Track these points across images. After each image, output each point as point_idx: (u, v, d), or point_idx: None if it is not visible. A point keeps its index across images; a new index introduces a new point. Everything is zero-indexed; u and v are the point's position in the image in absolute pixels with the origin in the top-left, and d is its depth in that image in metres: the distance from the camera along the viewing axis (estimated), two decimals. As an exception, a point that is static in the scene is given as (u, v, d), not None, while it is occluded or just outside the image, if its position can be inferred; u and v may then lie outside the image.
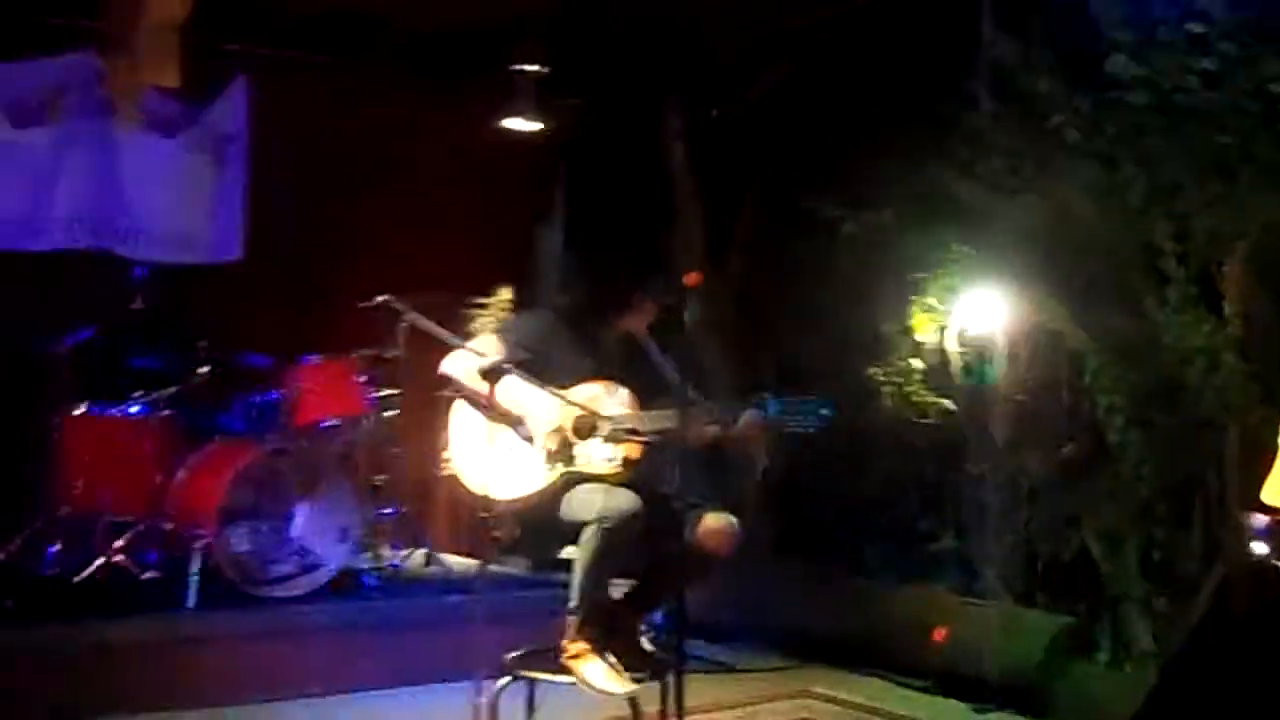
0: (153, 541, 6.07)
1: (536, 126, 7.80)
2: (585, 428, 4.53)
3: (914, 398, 6.69)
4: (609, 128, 8.28)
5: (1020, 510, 6.54)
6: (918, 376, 6.70)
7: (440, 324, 4.26)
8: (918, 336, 6.63)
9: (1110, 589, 6.17)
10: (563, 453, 4.50)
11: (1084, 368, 6.02)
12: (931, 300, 6.54)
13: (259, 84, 7.52)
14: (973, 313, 6.48)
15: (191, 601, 5.71)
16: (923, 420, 6.73)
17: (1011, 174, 6.16)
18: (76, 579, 5.85)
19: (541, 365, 4.50)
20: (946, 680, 6.18)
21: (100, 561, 5.91)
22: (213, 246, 7.46)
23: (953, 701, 6.05)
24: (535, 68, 7.55)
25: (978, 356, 6.65)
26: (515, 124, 7.75)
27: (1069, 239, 6.01)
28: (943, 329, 6.61)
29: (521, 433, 4.53)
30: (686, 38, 7.48)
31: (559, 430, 4.48)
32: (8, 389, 6.50)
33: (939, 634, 6.29)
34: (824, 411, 4.57)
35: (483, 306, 7.54)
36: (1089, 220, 5.86)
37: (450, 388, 4.75)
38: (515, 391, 4.40)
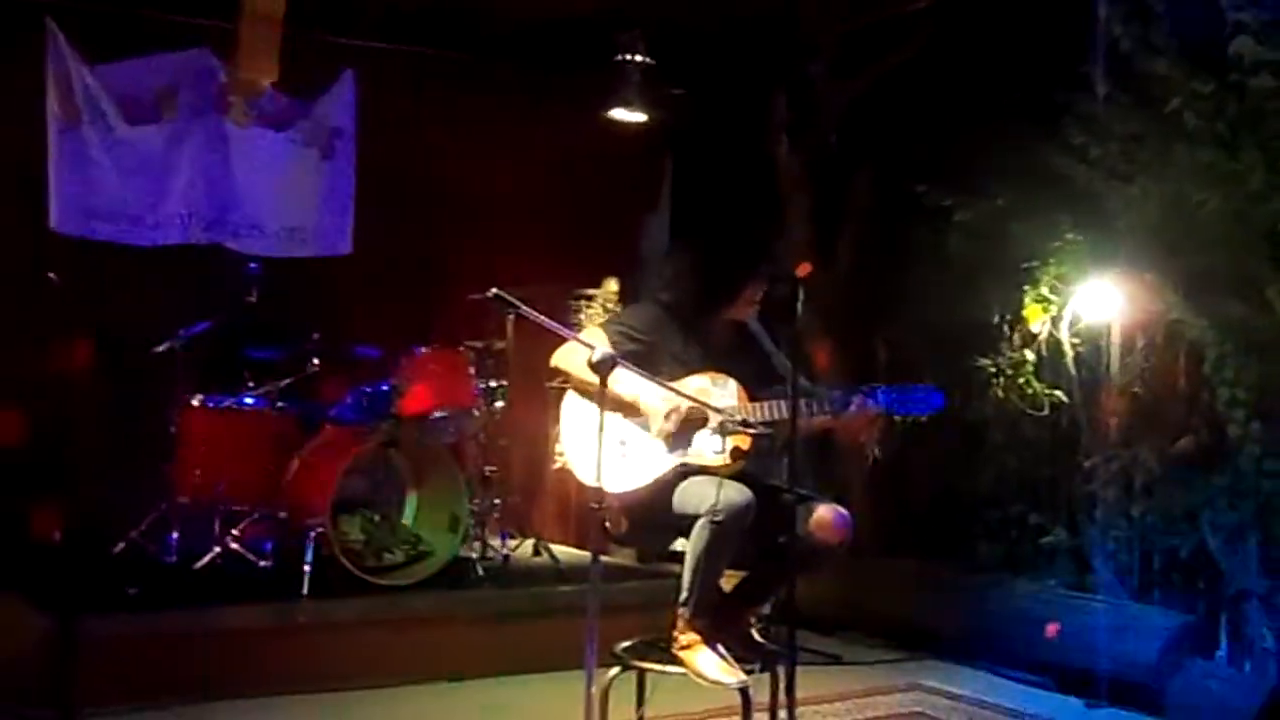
0: (268, 530, 6.17)
1: (642, 117, 7.79)
2: (696, 420, 4.53)
3: (1026, 389, 6.59)
4: (715, 117, 8.26)
5: (1136, 504, 6.43)
6: (1030, 367, 6.59)
7: (547, 316, 4.26)
8: (1030, 326, 6.53)
9: (1229, 585, 6.05)
10: (674, 443, 4.49)
11: (1203, 359, 5.89)
12: (1044, 289, 6.43)
13: (367, 78, 7.59)
14: (1087, 302, 6.37)
15: (305, 589, 5.78)
16: (1035, 412, 6.62)
17: (1127, 160, 6.05)
18: (195, 566, 5.97)
19: (650, 357, 4.50)
20: (1059, 675, 6.11)
21: (218, 549, 6.02)
22: (323, 240, 7.54)
23: (1066, 697, 5.96)
24: (641, 58, 7.53)
25: (1092, 347, 6.54)
26: (621, 115, 7.74)
27: (1187, 226, 5.88)
28: (1055, 318, 6.50)
29: (635, 420, 4.53)
30: (791, 25, 7.44)
31: (669, 420, 4.47)
32: (127, 382, 6.62)
33: (1051, 629, 6.20)
34: (934, 400, 4.54)
35: (589, 298, 7.56)
36: (1208, 207, 5.73)
37: (560, 380, 4.76)
38: (625, 383, 4.40)
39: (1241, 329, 5.79)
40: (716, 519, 4.26)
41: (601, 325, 4.78)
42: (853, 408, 4.52)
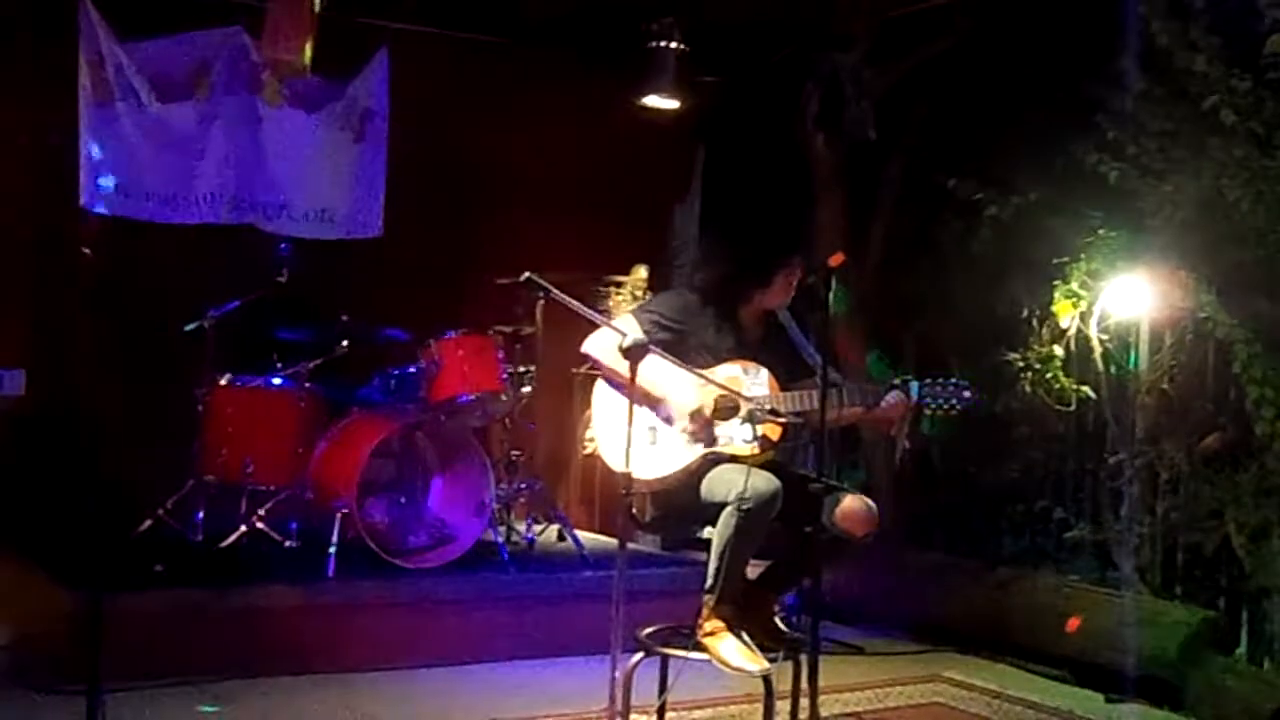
0: (294, 511, 6.18)
1: (675, 104, 7.78)
2: (726, 408, 4.54)
3: (1054, 384, 6.57)
4: (748, 106, 8.25)
5: (1161, 500, 6.42)
6: (1058, 362, 6.58)
7: (577, 302, 4.27)
8: (1059, 321, 6.51)
9: (1253, 583, 6.04)
10: (703, 434, 4.50)
11: (1232, 357, 5.87)
12: (1074, 285, 6.41)
13: (401, 60, 7.59)
14: (1117, 298, 6.35)
15: (331, 570, 5.81)
16: (1062, 407, 6.61)
17: (1161, 156, 6.03)
18: (221, 545, 6.00)
19: (681, 345, 4.51)
20: (1080, 669, 6.12)
21: (243, 529, 6.05)
22: (353, 222, 7.56)
23: (1086, 691, 5.97)
24: (675, 45, 7.52)
25: (1121, 343, 6.52)
26: (654, 101, 7.73)
27: (1220, 223, 5.86)
28: (1085, 314, 6.49)
29: (661, 413, 4.55)
30: (826, 14, 7.43)
31: (699, 411, 4.48)
32: (155, 360, 6.65)
33: (1073, 623, 6.21)
34: (966, 394, 4.56)
35: (618, 285, 7.57)
36: (1242, 204, 5.70)
37: (589, 366, 4.78)
38: (656, 371, 4.41)
39: (1272, 327, 5.78)
40: (744, 507, 4.28)
41: (633, 312, 4.80)
42: (886, 400, 4.55)
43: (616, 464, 4.40)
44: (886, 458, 7.35)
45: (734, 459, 4.48)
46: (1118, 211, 6.26)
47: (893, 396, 4.56)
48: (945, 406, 4.56)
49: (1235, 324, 5.82)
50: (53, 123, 6.71)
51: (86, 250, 6.43)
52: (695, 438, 4.50)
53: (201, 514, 6.17)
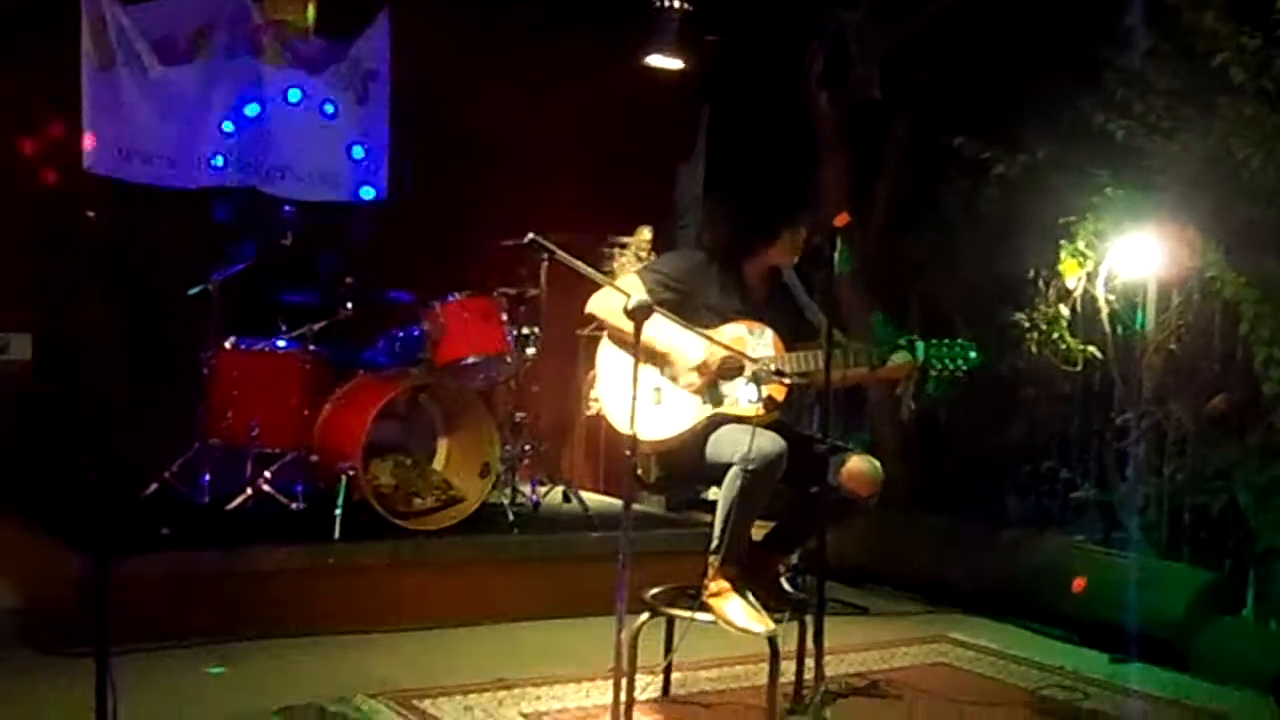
0: (300, 473, 6.19)
1: (679, 64, 7.73)
2: (731, 368, 4.53)
3: (1060, 344, 6.56)
4: (752, 65, 8.20)
5: (1167, 461, 6.42)
6: (1064, 323, 6.56)
7: (582, 263, 4.26)
8: (1066, 281, 6.49)
9: (1259, 544, 6.04)
10: (708, 391, 4.49)
11: (1240, 316, 5.85)
12: (1080, 244, 6.39)
13: (401, 21, 7.55)
14: (1123, 257, 6.32)
15: (337, 532, 5.82)
16: (1068, 367, 6.60)
17: (1169, 114, 6.00)
18: (228, 508, 6.01)
19: (687, 304, 4.50)
20: (1085, 630, 6.12)
21: (250, 491, 6.06)
22: (356, 185, 7.54)
23: (1091, 651, 5.98)
24: (679, 4, 7.47)
25: (1127, 303, 6.50)
26: (657, 61, 7.69)
27: (1228, 182, 5.83)
28: (1091, 274, 6.46)
29: (666, 370, 4.54)
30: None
31: (704, 364, 4.47)
32: (160, 324, 6.66)
33: (1078, 584, 6.21)
34: (972, 354, 4.55)
35: (623, 246, 7.55)
36: (1251, 162, 5.67)
37: (594, 327, 4.77)
38: (661, 331, 4.40)
39: (1280, 287, 5.76)
40: (749, 468, 4.28)
41: (638, 272, 4.79)
42: (890, 360, 4.54)
43: (621, 425, 4.40)
44: (892, 419, 7.34)
45: (739, 420, 4.48)
46: (1125, 170, 6.23)
47: (897, 357, 4.55)
48: (950, 368, 4.55)
49: (1243, 283, 5.80)
50: (55, 87, 6.68)
51: (90, 213, 6.42)
52: (699, 392, 4.49)
53: (207, 477, 6.18)
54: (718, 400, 4.51)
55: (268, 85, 7.28)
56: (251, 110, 7.24)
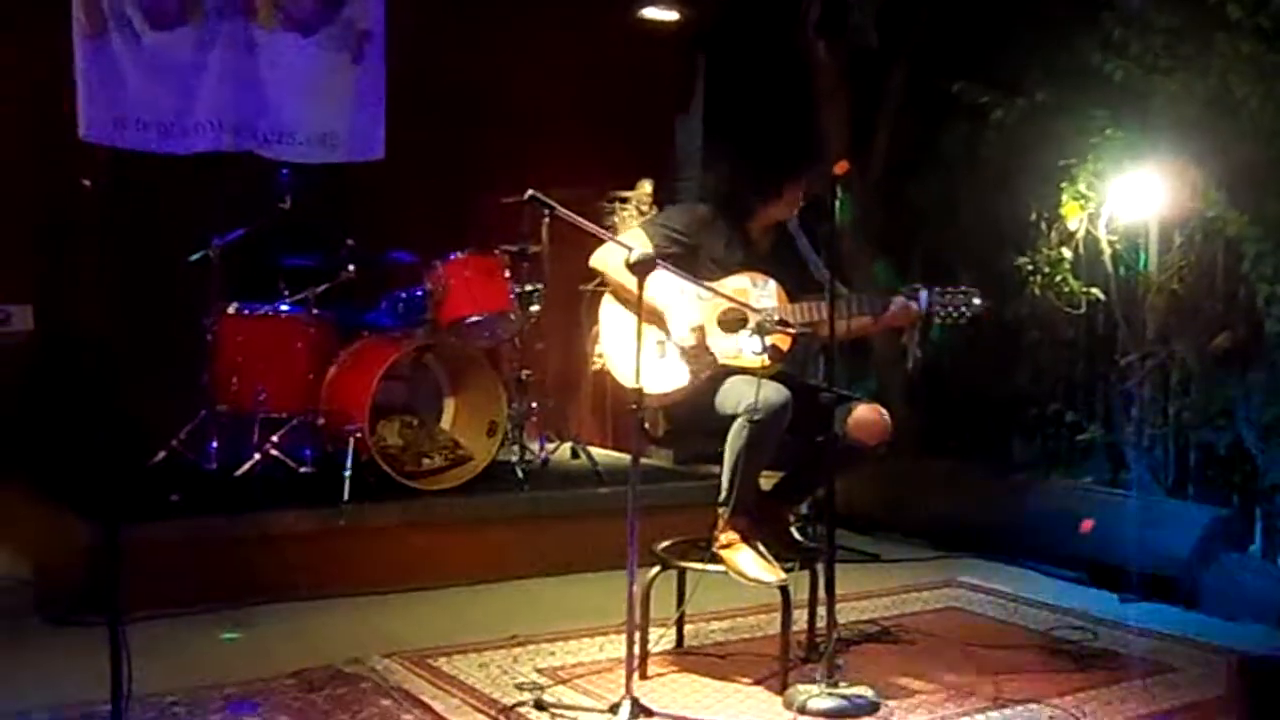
0: (307, 437, 6.19)
1: (675, 15, 7.68)
2: (734, 320, 4.53)
3: (1063, 287, 6.55)
4: (748, 15, 8.14)
5: (1172, 401, 6.42)
6: (1067, 265, 6.55)
7: (582, 219, 4.25)
8: (1067, 224, 6.47)
9: (1264, 480, 6.06)
10: (699, 353, 4.47)
11: (1242, 255, 5.84)
12: (1081, 186, 6.37)
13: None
14: (1124, 199, 6.30)
15: (346, 494, 5.83)
16: (1072, 310, 6.59)
17: (1168, 54, 5.96)
18: (236, 473, 6.01)
19: (691, 259, 4.49)
20: (1095, 571, 6.15)
21: (257, 456, 6.06)
22: (354, 146, 7.48)
23: (1101, 591, 6.00)
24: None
25: (1129, 244, 6.49)
26: (654, 13, 7.63)
27: (1228, 121, 5.81)
28: (1093, 216, 6.45)
29: (664, 330, 4.53)
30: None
31: (699, 329, 4.46)
32: (162, 291, 6.64)
33: (1086, 525, 6.23)
34: (975, 301, 4.54)
35: (623, 201, 7.52)
36: (1250, 101, 5.65)
37: (598, 282, 4.76)
38: (662, 286, 4.39)
39: (1281, 225, 5.75)
40: (755, 418, 4.29)
41: (643, 225, 4.78)
42: (893, 308, 4.53)
43: (625, 379, 4.40)
44: (898, 367, 7.33)
45: (744, 371, 4.48)
46: (1125, 111, 6.21)
47: (899, 304, 4.54)
48: (954, 315, 4.55)
49: (1245, 222, 5.79)
50: (49, 55, 6.64)
51: (86, 182, 6.38)
52: (691, 356, 4.47)
53: (215, 443, 6.18)
54: (711, 363, 4.50)
55: (261, 47, 7.22)
56: (246, 73, 7.19)
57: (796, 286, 4.61)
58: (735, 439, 4.37)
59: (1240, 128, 5.81)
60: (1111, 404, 6.73)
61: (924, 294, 4.55)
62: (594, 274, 4.72)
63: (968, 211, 7.10)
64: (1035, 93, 6.48)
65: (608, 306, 4.67)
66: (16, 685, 4.35)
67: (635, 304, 4.12)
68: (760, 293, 4.52)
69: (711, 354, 4.49)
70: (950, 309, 4.54)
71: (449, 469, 6.28)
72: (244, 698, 4.27)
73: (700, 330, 4.46)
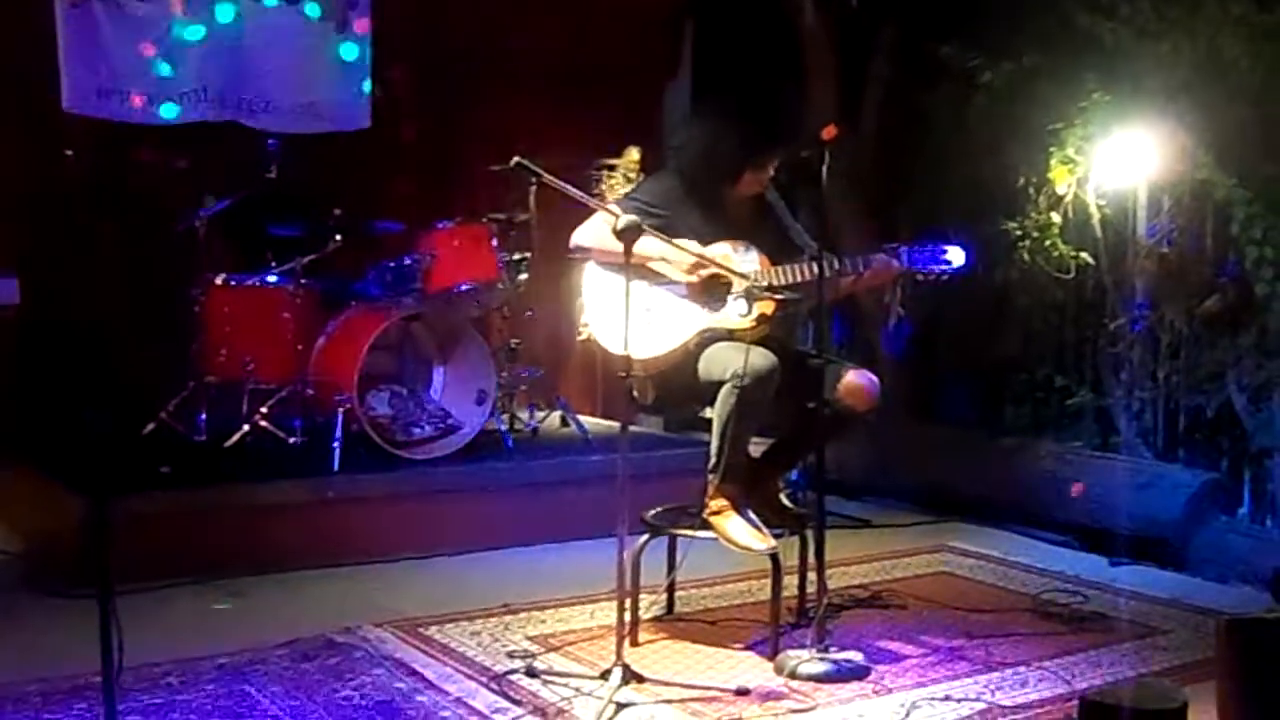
0: (296, 407, 6.17)
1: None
2: (720, 285, 4.52)
3: (1052, 251, 6.53)
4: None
5: (1162, 365, 6.43)
6: (1055, 230, 6.53)
7: (570, 186, 4.24)
8: (1056, 188, 6.45)
9: (1254, 444, 6.07)
10: (706, 295, 4.48)
11: (1231, 218, 5.83)
12: (1070, 150, 6.34)
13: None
14: (1113, 163, 6.29)
15: (336, 465, 5.83)
16: (1061, 274, 6.58)
17: (1157, 17, 5.94)
18: (226, 444, 6.00)
19: (670, 229, 4.47)
20: (1085, 534, 6.17)
21: (247, 427, 6.05)
22: (340, 115, 7.45)
23: (1091, 555, 6.02)
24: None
25: (1118, 208, 6.48)
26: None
27: (1217, 83, 5.79)
28: (1081, 180, 6.43)
29: (662, 285, 4.52)
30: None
31: (702, 266, 4.45)
32: (149, 263, 6.62)
33: (1076, 489, 6.25)
34: (957, 256, 4.51)
35: (611, 168, 7.49)
36: (1240, 63, 5.63)
37: (581, 258, 4.74)
38: (653, 243, 4.37)
39: (1270, 187, 5.73)
40: (742, 383, 4.30)
41: (618, 201, 4.78)
42: (873, 265, 4.53)
43: (613, 347, 4.39)
44: (885, 330, 7.32)
45: (730, 336, 4.48)
46: (1113, 74, 6.17)
47: (880, 261, 4.53)
48: (936, 270, 4.52)
49: (1234, 185, 5.78)
50: (32, 25, 6.59)
51: (69, 153, 6.36)
52: (700, 294, 4.47)
53: (204, 415, 6.17)
54: (710, 314, 4.50)
55: (245, 17, 7.18)
56: (230, 42, 7.15)
57: (776, 254, 4.59)
58: (723, 405, 4.37)
59: (1230, 90, 5.79)
60: (1101, 368, 6.73)
61: (904, 251, 4.54)
62: (576, 251, 4.70)
63: (956, 176, 7.06)
64: (1024, 56, 6.44)
65: (590, 276, 4.66)
66: (7, 658, 4.36)
67: (632, 268, 4.11)
68: (742, 259, 4.50)
69: (725, 282, 4.46)
70: (931, 263, 4.53)
71: (439, 438, 6.27)
72: (236, 668, 4.27)
73: (704, 265, 4.44)
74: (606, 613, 4.82)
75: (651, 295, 4.54)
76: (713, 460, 4.46)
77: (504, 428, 6.52)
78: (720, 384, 4.37)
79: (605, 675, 4.04)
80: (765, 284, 4.42)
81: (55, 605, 4.93)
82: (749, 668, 4.40)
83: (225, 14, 7.11)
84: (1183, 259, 6.34)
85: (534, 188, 6.61)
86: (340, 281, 6.60)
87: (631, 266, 4.10)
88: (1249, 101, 5.74)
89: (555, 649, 4.55)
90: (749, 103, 4.74)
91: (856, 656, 4.36)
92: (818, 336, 4.54)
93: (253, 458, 5.96)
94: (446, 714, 3.94)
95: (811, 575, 4.58)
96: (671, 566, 4.78)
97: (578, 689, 4.13)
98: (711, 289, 4.51)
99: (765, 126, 4.62)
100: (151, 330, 6.47)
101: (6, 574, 5.41)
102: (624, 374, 4.10)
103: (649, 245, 4.33)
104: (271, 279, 6.34)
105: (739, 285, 4.46)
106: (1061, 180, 6.41)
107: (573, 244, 4.67)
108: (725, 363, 4.38)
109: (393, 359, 6.55)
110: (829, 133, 4.30)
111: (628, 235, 4.06)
